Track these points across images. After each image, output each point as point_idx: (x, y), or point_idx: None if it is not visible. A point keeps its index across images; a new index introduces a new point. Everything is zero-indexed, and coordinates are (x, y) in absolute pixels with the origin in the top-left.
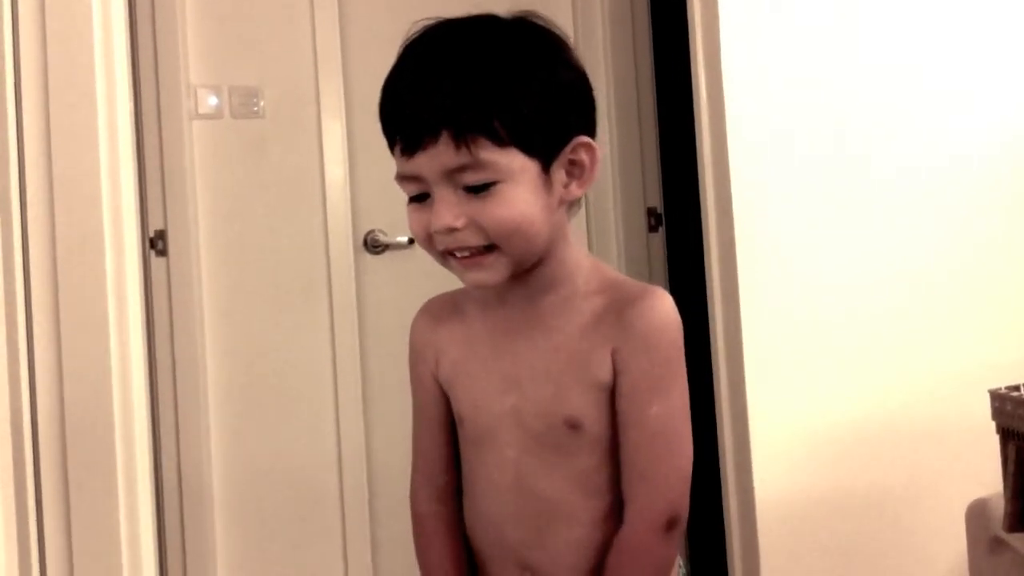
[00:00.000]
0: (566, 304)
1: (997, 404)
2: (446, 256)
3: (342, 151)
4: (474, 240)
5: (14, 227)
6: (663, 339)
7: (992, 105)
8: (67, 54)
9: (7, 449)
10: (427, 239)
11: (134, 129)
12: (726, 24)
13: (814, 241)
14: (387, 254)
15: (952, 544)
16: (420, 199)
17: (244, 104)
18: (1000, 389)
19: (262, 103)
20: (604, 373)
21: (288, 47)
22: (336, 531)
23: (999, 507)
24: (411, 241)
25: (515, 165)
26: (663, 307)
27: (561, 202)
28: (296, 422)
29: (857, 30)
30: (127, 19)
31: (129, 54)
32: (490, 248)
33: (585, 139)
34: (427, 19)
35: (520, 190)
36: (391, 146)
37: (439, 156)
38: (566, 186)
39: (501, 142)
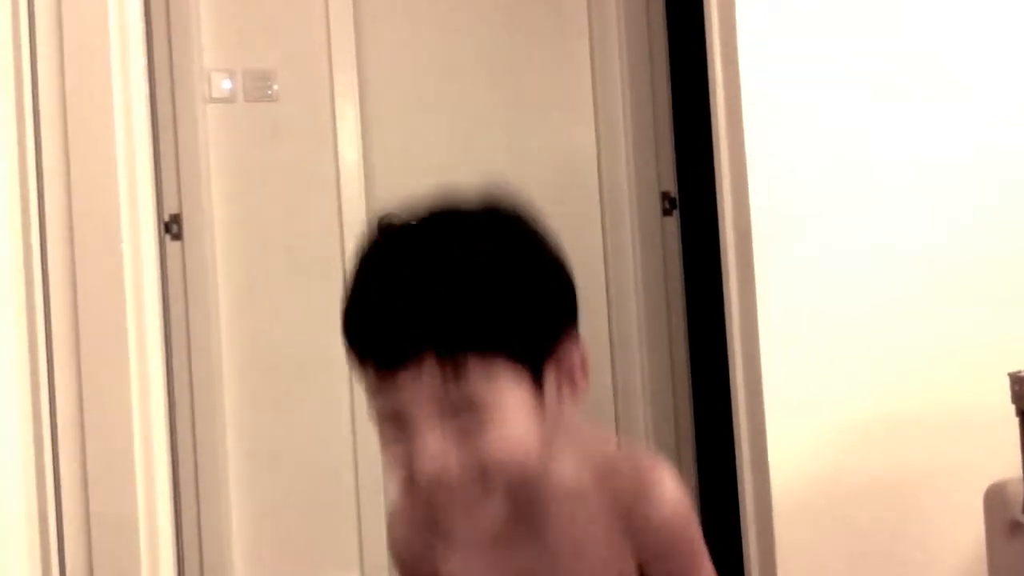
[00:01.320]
0: (566, 498)
1: (1017, 387)
2: (433, 494)
3: (356, 134)
4: (465, 477)
5: (32, 212)
6: (682, 527)
7: (1015, 85)
8: (83, 40)
9: (27, 437)
10: (408, 474)
11: (149, 113)
12: (742, 5)
13: (831, 224)
14: None
15: (970, 528)
16: (397, 429)
17: (258, 88)
18: (1020, 372)
19: (276, 87)
20: (628, 569)
21: (302, 31)
22: (351, 513)
23: (1018, 491)
24: None
25: (506, 383)
26: (670, 491)
27: (554, 416)
28: (311, 404)
29: (874, 10)
30: (142, 3)
31: (144, 38)
32: (482, 483)
33: (575, 345)
34: (386, 215)
35: (513, 411)
36: (361, 367)
37: (423, 381)
38: (558, 390)
39: (488, 357)
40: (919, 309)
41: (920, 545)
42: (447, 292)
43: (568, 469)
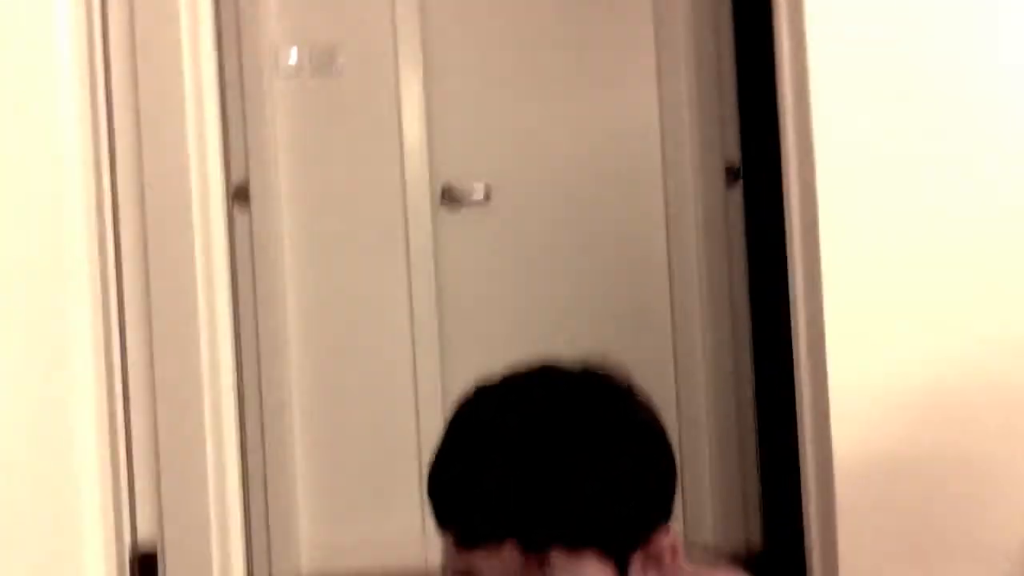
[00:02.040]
0: None
1: None
2: None
3: (420, 108)
4: None
5: (104, 181)
6: None
7: None
8: (153, 14)
9: (104, 403)
10: None
11: (218, 86)
12: None
13: (901, 189)
14: (463, 210)
15: None
16: None
17: (323, 61)
18: None
19: (341, 60)
20: None
21: (367, 4)
22: (413, 472)
23: None
24: (487, 196)
25: (590, 568)
26: None
27: None
28: (374, 363)
29: None
30: None
31: (213, 11)
32: None
33: (670, 538)
34: (483, 380)
35: None
36: (440, 528)
37: (503, 561)
38: (643, 574)
39: (575, 546)
40: (998, 275)
41: (986, 526)
42: (539, 483)
43: None
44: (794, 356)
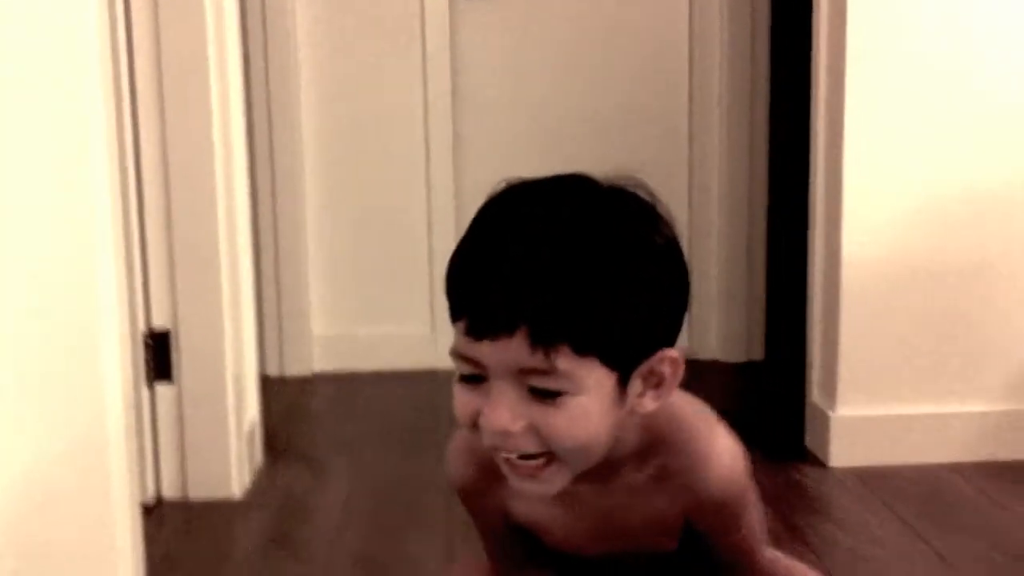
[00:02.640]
0: (623, 468)
1: None
2: (494, 450)
3: None
4: (530, 447)
5: None
6: (732, 499)
7: None
8: None
9: (117, 188)
10: (473, 426)
11: None
12: None
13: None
14: (481, 1)
15: None
16: (473, 379)
17: None
18: None
19: None
20: (677, 522)
21: None
22: (423, 274)
23: None
24: None
25: (592, 377)
26: (722, 469)
27: (631, 413)
28: (388, 163)
29: None
30: None
31: None
32: (545, 454)
33: (672, 353)
34: (514, 179)
35: (591, 405)
36: (453, 318)
37: (512, 351)
38: (640, 396)
39: (582, 351)
40: (1008, 83)
41: (990, 335)
42: (559, 283)
43: (631, 444)
44: (811, 167)
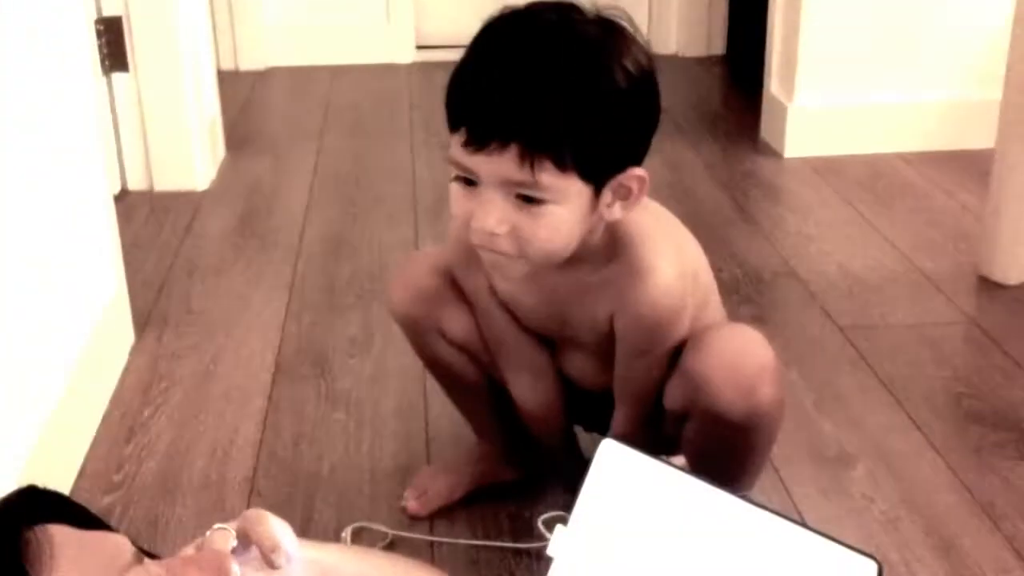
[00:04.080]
0: (578, 268)
1: None
2: (478, 246)
3: None
4: (507, 249)
5: None
6: (654, 322)
7: None
8: None
9: None
10: (466, 225)
11: None
12: None
13: None
14: None
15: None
16: (467, 182)
17: None
18: None
19: None
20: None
21: None
22: None
23: None
24: None
25: (571, 190)
26: (657, 289)
27: (599, 219)
28: None
29: None
30: None
31: None
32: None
33: (639, 172)
34: (511, 7)
35: (568, 214)
36: (451, 129)
37: (502, 164)
38: (609, 206)
39: (565, 167)
40: None
41: (947, 26)
42: (551, 102)
43: (593, 248)
44: None
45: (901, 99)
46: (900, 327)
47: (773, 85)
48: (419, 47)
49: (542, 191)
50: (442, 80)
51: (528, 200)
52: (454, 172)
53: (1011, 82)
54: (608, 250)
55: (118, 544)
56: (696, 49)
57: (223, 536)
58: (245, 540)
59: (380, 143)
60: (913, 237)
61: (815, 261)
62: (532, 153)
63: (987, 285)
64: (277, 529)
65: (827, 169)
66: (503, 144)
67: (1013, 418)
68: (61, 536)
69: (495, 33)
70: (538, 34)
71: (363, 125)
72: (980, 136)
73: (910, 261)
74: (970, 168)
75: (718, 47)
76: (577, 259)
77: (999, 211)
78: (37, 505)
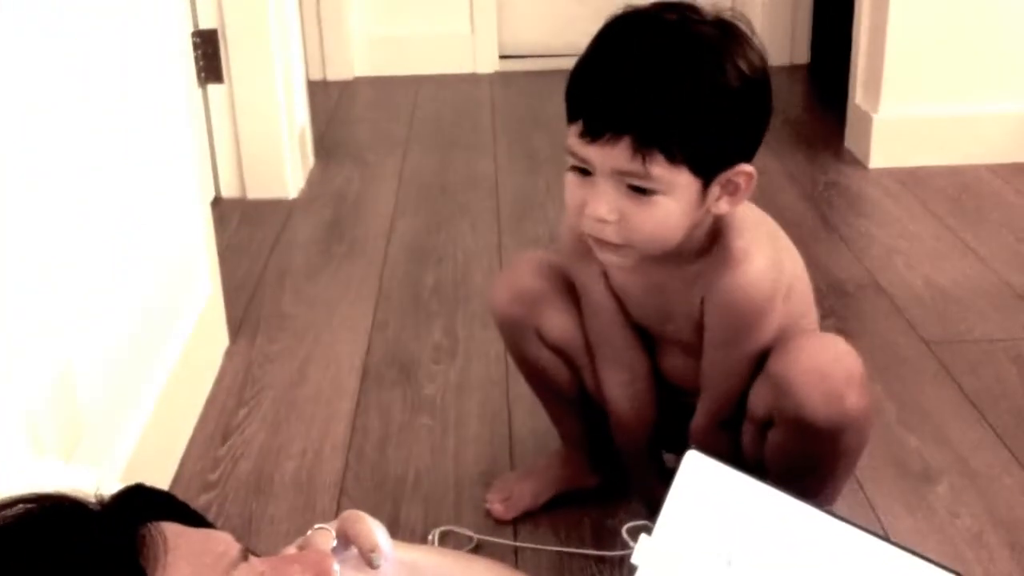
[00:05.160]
0: (677, 261)
1: None
2: (589, 235)
3: None
4: (615, 239)
5: None
6: (743, 309)
7: None
8: None
9: None
10: (578, 214)
11: None
12: None
13: None
14: None
15: None
16: (581, 171)
17: None
18: None
19: None
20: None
21: None
22: None
23: None
24: None
25: (681, 182)
26: (746, 283)
27: (707, 212)
28: None
29: None
30: None
31: None
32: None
33: (748, 168)
34: (633, 6)
35: (676, 206)
36: (570, 120)
37: (615, 155)
38: (717, 200)
39: (675, 160)
40: None
41: None
42: (663, 97)
43: (697, 241)
44: None
45: (987, 109)
46: (986, 341)
47: (858, 95)
48: (502, 56)
49: (652, 182)
50: (524, 89)
51: (639, 190)
52: (570, 162)
53: None
54: (709, 241)
55: (226, 541)
56: (780, 58)
57: (324, 536)
58: (344, 540)
59: (464, 152)
60: (1000, 250)
61: (900, 274)
62: (643, 145)
63: None
64: (375, 530)
65: (912, 180)
66: (616, 136)
67: None
68: (173, 533)
69: (616, 30)
70: (656, 32)
71: (447, 134)
72: None
73: (997, 274)
74: None
75: (802, 56)
76: (682, 252)
77: None
78: (148, 503)
